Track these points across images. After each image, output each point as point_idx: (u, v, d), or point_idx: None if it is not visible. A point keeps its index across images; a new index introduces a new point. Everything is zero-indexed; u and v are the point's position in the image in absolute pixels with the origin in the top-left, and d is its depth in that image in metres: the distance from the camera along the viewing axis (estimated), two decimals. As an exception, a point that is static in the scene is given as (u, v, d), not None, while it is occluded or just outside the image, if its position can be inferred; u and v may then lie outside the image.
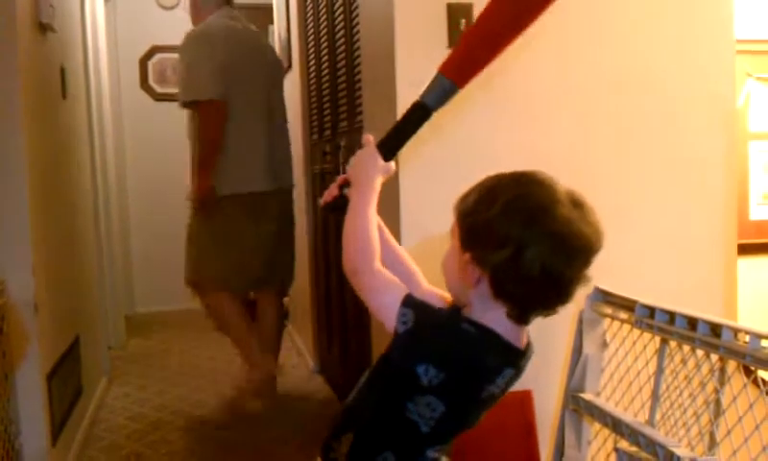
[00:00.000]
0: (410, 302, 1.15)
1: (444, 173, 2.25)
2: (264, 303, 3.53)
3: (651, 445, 1.73)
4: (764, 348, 1.51)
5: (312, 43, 3.72)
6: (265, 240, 3.37)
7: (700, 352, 1.73)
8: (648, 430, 1.79)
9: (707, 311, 1.73)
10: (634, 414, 1.94)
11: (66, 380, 2.79)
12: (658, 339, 1.88)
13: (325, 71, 3.42)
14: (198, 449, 3.02)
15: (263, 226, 3.36)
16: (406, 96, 2.25)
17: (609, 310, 2.10)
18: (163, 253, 5.22)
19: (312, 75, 3.78)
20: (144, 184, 5.60)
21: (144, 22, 5.63)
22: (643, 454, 1.77)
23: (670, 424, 1.84)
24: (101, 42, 4.50)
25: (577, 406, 2.12)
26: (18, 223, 2.29)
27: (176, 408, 3.52)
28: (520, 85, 2.32)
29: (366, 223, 1.19)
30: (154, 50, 5.66)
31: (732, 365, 1.66)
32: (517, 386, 2.29)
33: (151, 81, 5.69)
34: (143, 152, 5.59)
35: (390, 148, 1.25)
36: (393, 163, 1.26)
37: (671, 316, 1.78)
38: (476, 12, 2.25)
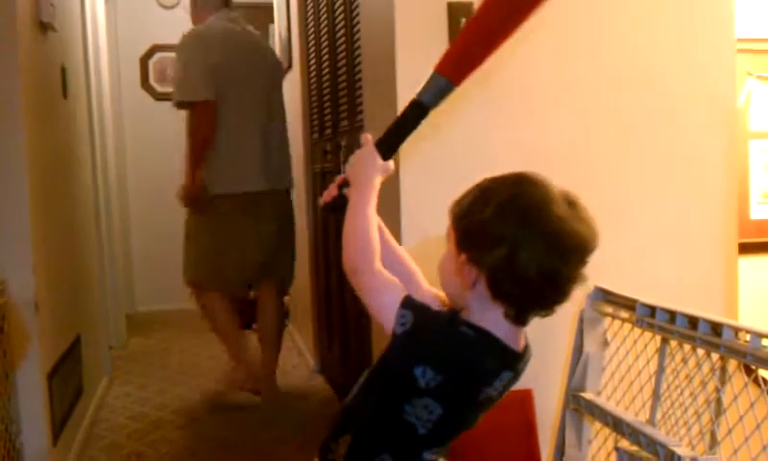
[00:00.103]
0: (409, 303, 1.15)
1: (443, 172, 2.24)
2: (264, 302, 3.56)
3: (652, 444, 1.73)
4: (765, 347, 1.50)
5: (312, 42, 3.72)
6: (260, 240, 3.40)
7: (701, 352, 1.73)
8: (649, 429, 1.79)
9: (707, 310, 1.73)
10: (634, 413, 1.93)
11: (67, 380, 2.79)
12: (658, 338, 1.88)
13: (326, 70, 3.42)
14: (198, 449, 3.02)
15: (258, 225, 3.39)
16: (406, 95, 2.22)
17: (609, 309, 2.10)
18: (164, 252, 5.22)
19: (312, 74, 3.78)
20: (145, 183, 5.60)
21: (144, 21, 5.63)
22: (644, 454, 1.77)
23: (671, 423, 1.84)
24: (101, 41, 4.50)
25: (578, 405, 2.12)
26: (19, 222, 2.29)
27: (176, 407, 3.52)
28: (520, 83, 2.32)
29: (365, 222, 1.19)
30: (154, 49, 5.66)
31: (732, 364, 1.66)
32: (518, 385, 2.30)
33: (151, 80, 5.69)
34: (144, 151, 5.59)
35: (388, 147, 1.25)
36: (391, 162, 1.26)
37: (672, 315, 1.78)
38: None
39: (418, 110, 1.25)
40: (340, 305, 3.35)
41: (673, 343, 1.82)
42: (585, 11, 2.36)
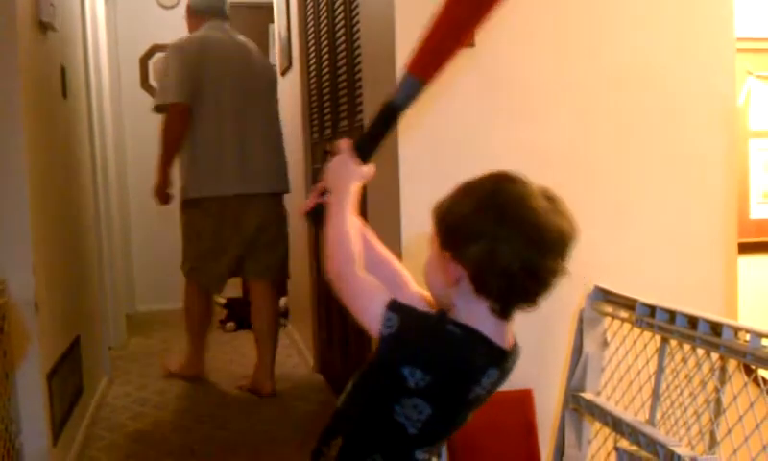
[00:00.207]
0: (395, 306, 1.16)
1: (443, 173, 2.24)
2: (257, 301, 3.70)
3: (651, 444, 1.73)
4: (765, 347, 1.50)
5: (312, 42, 3.72)
6: (234, 242, 3.58)
7: (700, 351, 1.73)
8: (648, 429, 1.79)
9: (707, 310, 1.73)
10: (634, 413, 1.94)
11: (67, 379, 2.79)
12: (658, 338, 1.88)
13: (326, 70, 3.42)
14: (198, 449, 3.02)
15: (233, 228, 3.56)
16: (406, 95, 2.25)
17: (609, 309, 2.10)
18: (164, 252, 5.22)
19: (312, 74, 3.78)
20: (144, 183, 5.54)
21: (144, 21, 5.63)
22: (644, 453, 1.77)
23: (671, 423, 1.84)
24: (101, 41, 4.50)
25: (577, 405, 2.12)
26: (19, 222, 2.29)
27: (176, 407, 3.52)
28: (520, 83, 2.32)
29: (344, 229, 1.20)
30: (154, 49, 5.66)
31: (732, 364, 1.66)
32: (518, 385, 2.31)
33: (151, 80, 5.68)
34: (143, 151, 5.57)
35: (365, 152, 1.25)
36: (370, 167, 1.26)
37: (671, 315, 1.78)
38: (476, 10, 2.24)
39: (391, 113, 1.26)
40: (339, 305, 3.34)
41: (673, 343, 1.82)
42: (585, 11, 2.36)
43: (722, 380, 1.69)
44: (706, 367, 1.74)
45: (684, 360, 1.79)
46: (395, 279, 1.31)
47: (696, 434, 1.75)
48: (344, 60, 3.04)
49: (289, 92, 4.45)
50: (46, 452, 2.36)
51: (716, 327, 1.63)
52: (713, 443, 1.68)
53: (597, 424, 2.12)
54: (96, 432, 3.19)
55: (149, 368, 4.19)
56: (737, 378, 1.67)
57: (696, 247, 2.42)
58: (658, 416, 1.85)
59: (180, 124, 3.47)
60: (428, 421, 1.16)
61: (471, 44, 2.26)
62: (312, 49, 3.74)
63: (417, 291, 1.30)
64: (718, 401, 1.69)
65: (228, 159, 3.50)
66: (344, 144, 1.27)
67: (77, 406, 2.97)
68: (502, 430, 2.22)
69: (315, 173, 3.81)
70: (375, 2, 2.47)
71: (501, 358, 1.18)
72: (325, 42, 3.38)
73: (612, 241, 2.36)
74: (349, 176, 1.24)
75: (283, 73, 4.62)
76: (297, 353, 4.39)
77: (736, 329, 1.58)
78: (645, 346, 1.97)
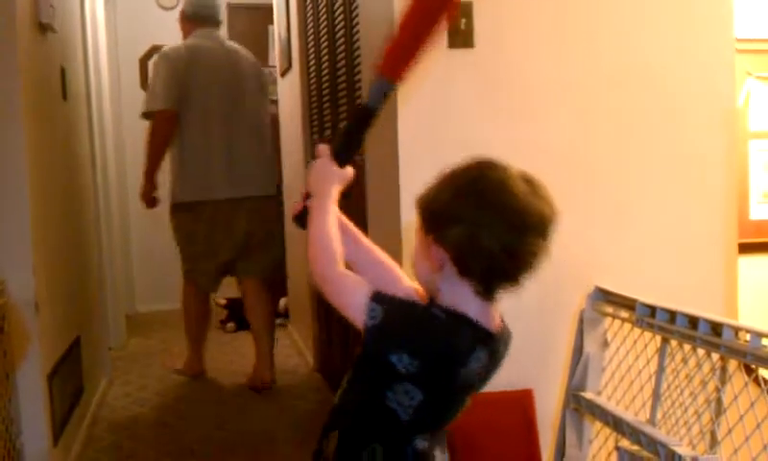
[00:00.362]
0: (377, 297, 1.18)
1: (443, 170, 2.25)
2: (250, 300, 3.82)
3: (652, 443, 1.73)
4: (765, 346, 1.51)
5: (312, 43, 3.72)
6: (225, 243, 3.67)
7: (701, 351, 1.73)
8: (649, 429, 1.79)
9: (707, 310, 1.73)
10: (635, 413, 1.94)
11: (67, 380, 2.79)
12: (659, 338, 1.88)
13: (325, 70, 3.42)
14: (198, 449, 3.02)
15: (221, 232, 3.65)
16: (406, 95, 2.25)
17: (609, 309, 2.10)
18: (164, 252, 5.20)
19: (312, 74, 3.78)
20: (144, 184, 5.58)
21: (144, 22, 5.63)
22: (645, 453, 1.77)
23: (671, 422, 1.85)
24: (101, 42, 4.50)
25: (578, 405, 2.13)
26: (19, 222, 2.29)
27: (176, 408, 3.52)
28: (520, 83, 2.32)
29: (324, 231, 1.23)
30: (153, 50, 5.64)
31: (732, 364, 1.67)
32: (519, 385, 2.31)
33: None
34: (143, 151, 5.58)
35: (343, 155, 1.27)
36: (349, 169, 1.29)
37: (672, 315, 1.78)
38: (476, 10, 2.25)
39: (365, 116, 1.28)
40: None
41: (673, 343, 1.83)
42: (585, 11, 2.36)
43: (722, 380, 1.69)
44: (706, 367, 1.74)
45: (685, 360, 1.80)
46: (388, 275, 1.34)
47: (697, 434, 1.75)
48: (343, 61, 3.04)
49: (289, 93, 4.45)
50: (46, 453, 2.36)
51: (717, 328, 1.63)
52: (714, 442, 1.68)
53: (598, 424, 2.12)
54: (96, 433, 3.19)
55: (149, 368, 4.19)
56: (738, 378, 1.67)
57: (696, 247, 2.42)
58: (658, 416, 1.85)
59: (166, 130, 3.58)
60: (420, 406, 1.18)
61: (471, 45, 2.27)
62: (312, 50, 3.74)
63: (410, 285, 1.33)
64: (719, 401, 1.69)
65: (215, 164, 3.59)
66: (323, 149, 1.29)
67: (77, 407, 2.97)
68: (503, 430, 2.22)
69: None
70: (375, 3, 2.47)
71: (488, 340, 1.20)
72: (325, 43, 3.38)
73: (612, 241, 2.36)
74: (329, 179, 1.27)
75: (283, 74, 4.63)
76: (296, 353, 4.39)
77: (737, 329, 1.59)
78: (646, 346, 1.97)
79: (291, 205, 3.95)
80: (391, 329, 1.17)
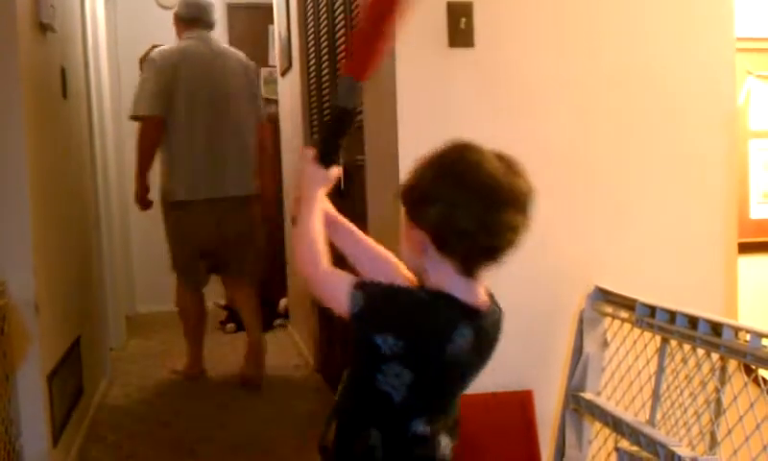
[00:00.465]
0: (359, 284, 1.21)
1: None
2: (237, 298, 4.01)
3: (652, 444, 1.73)
4: (765, 347, 1.50)
5: (312, 42, 3.72)
6: (206, 243, 3.79)
7: (701, 352, 1.73)
8: (649, 430, 1.79)
9: (707, 309, 1.73)
10: (634, 413, 1.94)
11: (67, 381, 2.79)
12: (658, 338, 1.88)
13: (326, 70, 3.42)
14: (198, 449, 3.02)
15: (204, 231, 3.76)
16: (406, 94, 2.25)
17: (609, 309, 2.10)
18: (164, 253, 5.18)
19: (312, 74, 3.78)
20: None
21: (144, 21, 5.63)
22: (644, 454, 1.77)
23: (671, 423, 1.85)
24: (101, 42, 4.50)
25: (578, 406, 2.13)
26: (19, 223, 2.29)
27: (176, 409, 3.52)
28: (520, 83, 2.32)
29: (308, 232, 1.26)
30: (153, 49, 5.64)
31: (732, 364, 1.66)
32: (518, 386, 2.31)
33: (151, 80, 5.67)
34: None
35: (327, 156, 1.31)
36: (334, 169, 1.32)
37: (672, 315, 1.78)
38: (476, 9, 2.25)
39: (343, 116, 1.32)
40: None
41: (673, 343, 1.82)
42: (584, 10, 2.36)
43: (722, 380, 1.69)
44: (706, 367, 1.74)
45: (685, 360, 1.79)
46: (387, 268, 1.37)
47: (696, 434, 1.75)
48: (344, 61, 3.03)
49: (289, 92, 4.45)
50: (46, 454, 2.36)
51: (716, 328, 1.63)
52: (714, 443, 1.68)
53: (598, 425, 2.12)
54: (96, 433, 3.19)
55: (149, 369, 4.19)
56: (737, 379, 1.67)
57: (696, 247, 2.42)
58: (658, 416, 1.85)
59: (152, 136, 3.71)
60: (411, 386, 1.20)
61: (471, 45, 2.26)
62: (312, 49, 3.74)
63: (407, 275, 1.35)
64: (718, 402, 1.69)
65: (199, 165, 3.70)
66: (307, 152, 1.32)
67: (77, 407, 2.97)
68: (503, 431, 2.22)
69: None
70: (375, 2, 2.47)
71: (473, 316, 1.21)
72: (325, 42, 3.38)
73: (611, 241, 2.36)
74: (314, 182, 1.30)
75: (283, 73, 4.62)
76: (297, 354, 4.39)
77: (736, 330, 1.59)
78: (645, 346, 1.97)
79: (290, 203, 3.96)
80: (373, 313, 1.20)
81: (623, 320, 2.04)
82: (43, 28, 2.66)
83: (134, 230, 5.62)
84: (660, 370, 1.86)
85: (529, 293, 2.28)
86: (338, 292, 1.22)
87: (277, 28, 4.76)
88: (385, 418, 1.23)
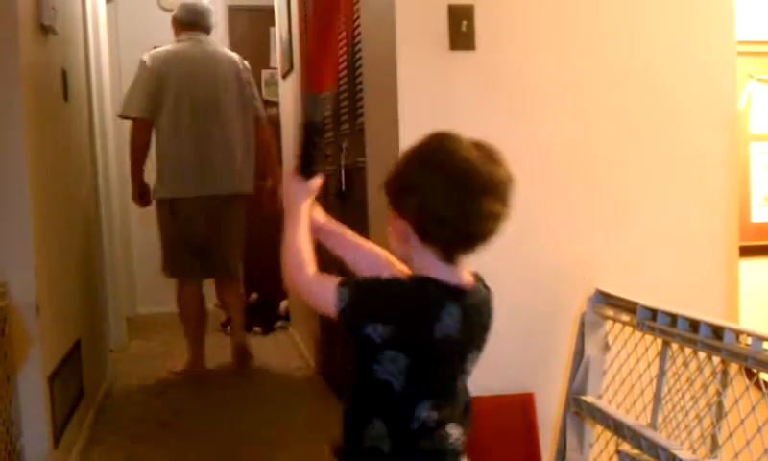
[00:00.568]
0: (343, 282, 1.24)
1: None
2: (227, 298, 4.16)
3: (653, 447, 1.73)
4: (766, 350, 1.50)
5: (313, 45, 3.71)
6: (188, 239, 3.91)
7: (702, 355, 1.73)
8: (650, 433, 1.79)
9: (707, 310, 1.73)
10: (636, 417, 1.93)
11: (68, 382, 2.79)
12: (659, 341, 1.88)
13: (327, 73, 3.42)
14: (199, 451, 3.02)
15: (188, 227, 3.90)
16: (407, 96, 2.25)
17: (610, 312, 2.10)
18: (164, 254, 5.21)
19: (313, 77, 3.77)
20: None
21: (145, 23, 5.63)
22: (645, 457, 1.77)
23: (672, 426, 1.84)
24: (102, 43, 4.50)
25: (579, 409, 2.12)
26: (20, 225, 2.29)
27: (177, 410, 3.52)
28: (520, 83, 2.32)
29: (294, 242, 1.30)
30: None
31: (734, 367, 1.66)
32: (520, 389, 2.30)
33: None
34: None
35: (306, 169, 1.37)
36: (315, 181, 1.36)
37: (673, 318, 1.78)
38: (477, 12, 2.25)
39: (313, 129, 1.38)
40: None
41: (674, 346, 1.82)
42: (585, 13, 2.36)
43: (723, 384, 1.69)
44: (707, 370, 1.74)
45: (686, 364, 1.79)
46: (381, 264, 1.40)
47: (698, 438, 1.75)
48: (345, 62, 3.04)
49: (290, 95, 4.45)
50: (47, 455, 2.36)
51: (718, 331, 1.63)
52: (715, 446, 1.68)
53: (599, 428, 2.12)
54: (97, 435, 3.18)
55: (149, 370, 4.19)
56: (739, 382, 1.67)
57: (696, 247, 2.41)
58: (659, 419, 1.85)
59: (142, 137, 3.88)
60: (409, 371, 1.22)
61: (472, 48, 2.26)
62: (313, 52, 3.73)
63: (403, 269, 1.37)
64: (720, 405, 1.69)
65: (186, 164, 3.82)
66: (288, 170, 1.38)
67: (78, 409, 2.96)
68: (504, 434, 2.21)
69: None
70: (376, 5, 2.47)
71: (458, 295, 1.24)
72: (327, 45, 3.37)
73: (612, 242, 2.36)
74: (297, 197, 1.35)
75: (284, 76, 4.63)
76: (298, 356, 4.39)
77: (738, 333, 1.58)
78: (647, 349, 1.96)
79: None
80: (361, 305, 1.23)
81: (624, 323, 2.04)
82: (44, 30, 2.67)
83: (135, 231, 5.62)
84: (662, 373, 1.85)
85: (529, 293, 2.29)
86: (325, 293, 1.25)
87: (279, 30, 4.76)
88: (388, 408, 1.25)
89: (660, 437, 1.78)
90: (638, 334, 1.97)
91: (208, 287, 4.21)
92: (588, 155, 2.37)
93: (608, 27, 2.37)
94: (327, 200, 3.53)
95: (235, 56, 4.06)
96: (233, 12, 5.84)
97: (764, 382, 1.58)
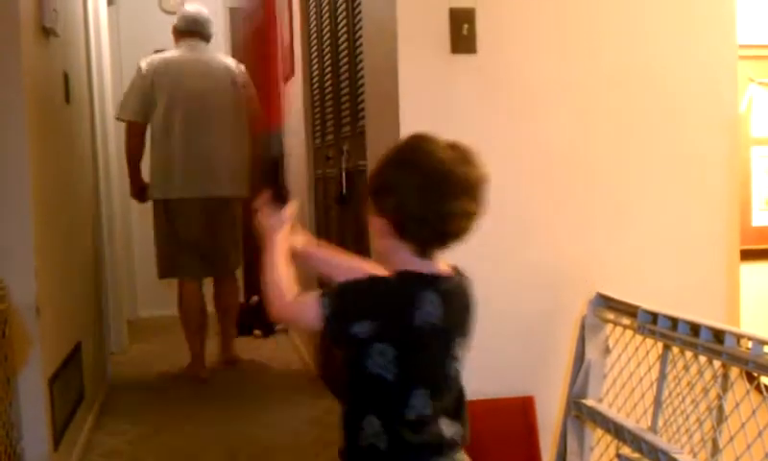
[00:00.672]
0: (323, 292, 1.30)
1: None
2: (225, 299, 4.21)
3: (653, 451, 1.73)
4: (767, 354, 1.50)
5: (315, 48, 3.72)
6: (183, 239, 3.99)
7: (703, 358, 1.73)
8: (650, 437, 1.79)
9: (708, 315, 1.73)
10: (636, 420, 1.93)
11: (68, 384, 2.79)
12: (660, 345, 1.88)
13: (328, 75, 3.43)
14: (199, 454, 3.02)
15: (182, 227, 3.98)
16: (409, 99, 2.25)
17: (611, 316, 2.10)
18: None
19: (315, 80, 3.78)
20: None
21: (147, 26, 5.63)
22: (646, 461, 1.76)
23: (673, 430, 1.84)
24: (104, 46, 4.51)
25: (579, 412, 2.12)
26: (21, 227, 2.29)
27: (177, 413, 3.51)
28: (520, 83, 2.32)
29: (272, 273, 1.36)
30: (156, 53, 5.66)
31: (734, 371, 1.66)
32: (520, 392, 2.30)
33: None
34: (145, 155, 5.58)
35: (279, 199, 1.44)
36: (287, 208, 1.43)
37: (674, 322, 1.77)
38: (479, 15, 2.25)
39: (273, 165, 1.48)
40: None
41: (675, 350, 1.82)
42: (586, 17, 2.36)
43: (724, 388, 1.68)
44: (708, 374, 1.73)
45: (687, 367, 1.79)
46: (364, 272, 1.43)
47: (698, 442, 1.75)
48: (346, 66, 3.04)
49: (292, 98, 4.45)
50: (47, 458, 2.36)
51: (718, 335, 1.63)
52: (716, 450, 1.68)
53: (599, 432, 2.11)
54: (97, 438, 3.18)
55: (150, 373, 4.19)
56: (739, 386, 1.67)
57: (696, 248, 2.41)
58: (660, 423, 1.85)
59: (135, 140, 4.02)
60: (398, 361, 1.27)
61: (473, 51, 2.27)
62: (314, 55, 3.74)
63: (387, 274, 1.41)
64: (720, 409, 1.69)
65: (176, 166, 3.91)
66: (261, 202, 1.43)
67: (78, 411, 2.96)
68: (504, 437, 2.21)
69: (317, 178, 3.82)
70: (377, 9, 2.48)
71: (435, 281, 1.29)
72: (328, 48, 3.38)
73: (612, 242, 2.36)
74: (271, 229, 1.41)
75: (286, 80, 4.63)
76: (298, 359, 4.39)
77: (738, 337, 1.58)
78: (647, 353, 1.96)
79: (300, 207, 3.97)
80: (345, 306, 1.28)
81: (625, 327, 2.04)
82: (46, 32, 2.67)
83: (136, 234, 5.62)
84: (662, 377, 1.85)
85: (529, 294, 2.29)
86: (307, 309, 1.30)
87: (280, 32, 4.76)
88: (383, 402, 1.29)
89: (661, 441, 1.77)
90: (639, 338, 1.97)
91: (208, 287, 4.21)
92: (588, 155, 2.37)
93: (608, 28, 2.37)
94: (328, 203, 3.54)
95: (231, 62, 4.15)
96: (234, 13, 5.84)
97: (765, 386, 1.57)
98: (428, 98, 2.26)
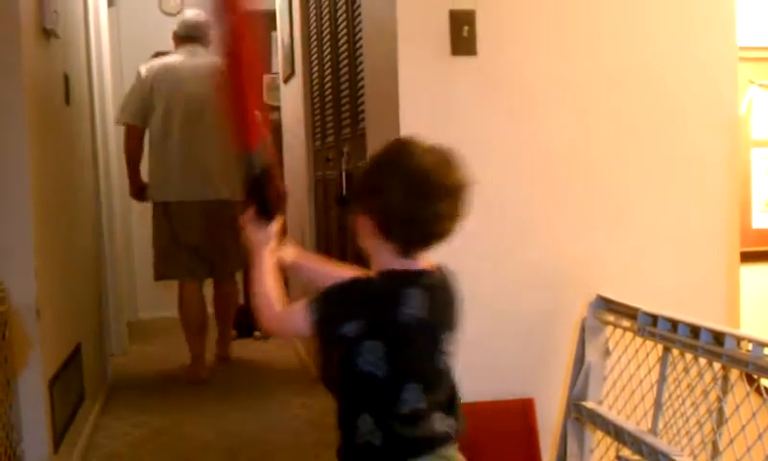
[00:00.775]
0: (310, 298, 1.32)
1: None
2: (223, 300, 4.28)
3: (654, 453, 1.73)
4: (767, 356, 1.50)
5: (315, 49, 3.73)
6: (181, 241, 4.04)
7: (703, 361, 1.73)
8: (651, 439, 1.78)
9: (708, 317, 1.73)
10: (636, 422, 1.93)
11: (68, 386, 2.79)
12: (660, 347, 1.88)
13: (328, 77, 3.43)
14: (199, 457, 3.02)
15: (181, 230, 4.04)
16: (409, 102, 2.25)
17: (611, 318, 2.10)
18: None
19: (315, 81, 3.78)
20: (147, 190, 5.58)
21: (147, 28, 5.64)
22: (646, 463, 1.76)
23: (673, 432, 1.84)
24: (104, 48, 4.51)
25: (579, 415, 2.12)
26: (21, 228, 2.29)
27: (177, 414, 3.51)
28: (520, 83, 2.32)
29: (260, 287, 1.40)
30: (157, 56, 5.63)
31: (734, 373, 1.66)
32: (520, 394, 2.30)
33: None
34: (146, 157, 5.58)
35: (263, 216, 1.46)
36: (273, 224, 1.46)
37: (674, 324, 1.77)
38: (479, 17, 2.25)
39: (258, 182, 1.46)
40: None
41: (675, 352, 1.82)
42: (586, 19, 2.36)
43: (724, 390, 1.68)
44: (708, 376, 1.73)
45: (687, 369, 1.79)
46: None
47: (698, 444, 1.75)
48: (346, 68, 3.04)
49: (291, 99, 4.45)
50: (47, 460, 2.35)
51: (718, 337, 1.63)
52: (716, 453, 1.68)
53: (599, 434, 2.11)
54: (97, 440, 3.18)
55: (150, 375, 4.18)
56: (740, 388, 1.67)
57: (696, 248, 2.41)
58: (660, 425, 1.85)
59: (134, 142, 4.08)
60: (387, 357, 1.29)
61: (473, 53, 2.27)
62: (315, 56, 3.74)
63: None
64: (720, 411, 1.68)
65: (173, 169, 3.97)
66: (246, 219, 1.46)
67: (78, 414, 2.96)
68: (504, 439, 2.21)
69: (317, 180, 3.82)
70: (378, 10, 2.48)
71: (418, 278, 1.32)
72: (328, 50, 3.39)
73: (612, 243, 2.36)
74: (257, 245, 1.44)
75: (286, 80, 4.63)
76: (298, 360, 4.39)
77: (739, 339, 1.58)
78: (647, 355, 1.96)
79: (301, 210, 3.97)
80: (332, 309, 1.31)
81: (625, 329, 2.04)
82: (47, 33, 2.67)
83: (136, 234, 5.62)
84: (662, 379, 1.85)
85: (529, 295, 2.29)
86: (296, 317, 1.33)
87: (280, 35, 4.76)
88: (375, 398, 1.31)
89: (661, 443, 1.77)
90: (639, 340, 1.97)
91: (208, 289, 4.21)
92: (588, 156, 2.37)
93: (608, 28, 2.37)
94: (328, 204, 3.54)
95: None
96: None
97: (765, 388, 1.57)
98: (428, 100, 2.26)
